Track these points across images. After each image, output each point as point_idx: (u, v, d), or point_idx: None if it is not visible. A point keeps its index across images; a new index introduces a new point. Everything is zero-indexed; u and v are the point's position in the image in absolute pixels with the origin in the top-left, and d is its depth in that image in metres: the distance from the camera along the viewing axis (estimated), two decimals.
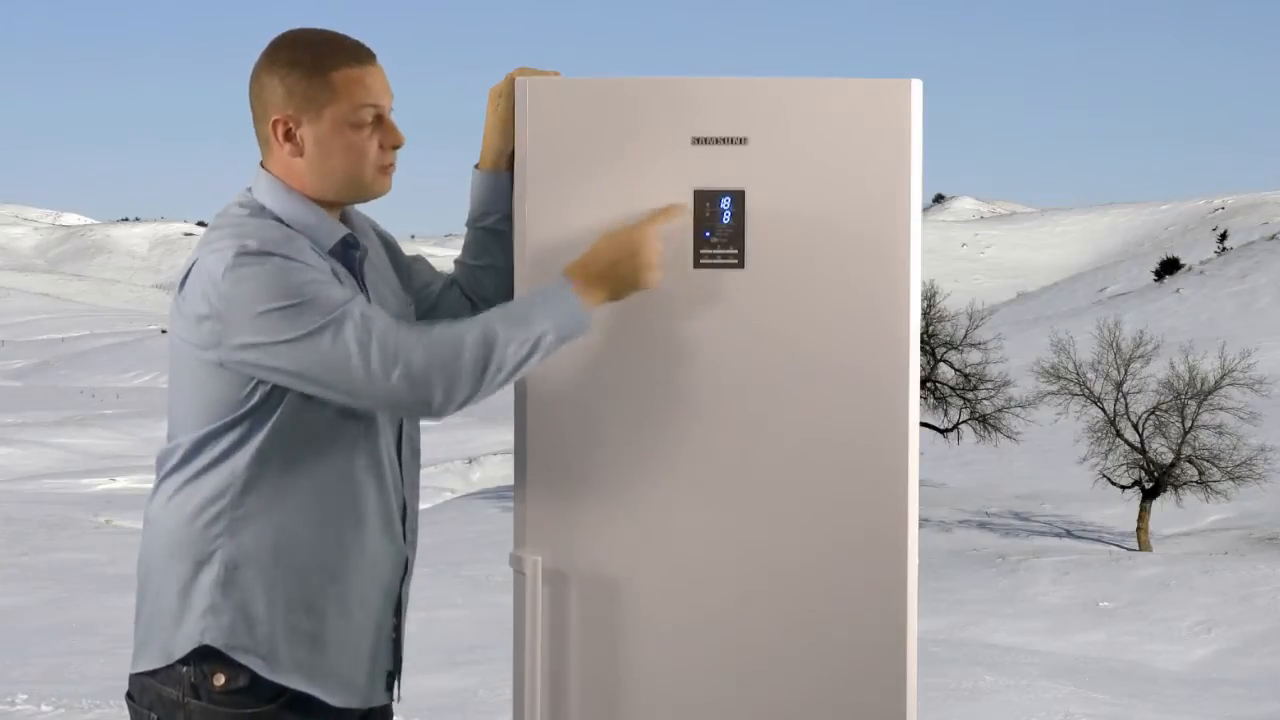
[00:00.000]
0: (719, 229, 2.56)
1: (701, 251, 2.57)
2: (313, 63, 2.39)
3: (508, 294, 2.64)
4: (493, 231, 2.71)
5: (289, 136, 2.41)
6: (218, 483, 2.35)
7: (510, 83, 2.62)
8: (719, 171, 2.56)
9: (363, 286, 2.48)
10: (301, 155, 2.41)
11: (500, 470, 44.62)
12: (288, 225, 2.39)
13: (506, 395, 2.56)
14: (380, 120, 2.44)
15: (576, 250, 2.51)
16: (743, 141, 2.56)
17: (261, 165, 2.46)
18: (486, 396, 2.34)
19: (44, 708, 8.31)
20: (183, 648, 2.34)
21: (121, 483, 45.01)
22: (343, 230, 2.45)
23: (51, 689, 8.96)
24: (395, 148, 2.46)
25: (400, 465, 2.52)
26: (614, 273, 2.44)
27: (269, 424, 2.34)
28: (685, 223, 2.57)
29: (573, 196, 2.57)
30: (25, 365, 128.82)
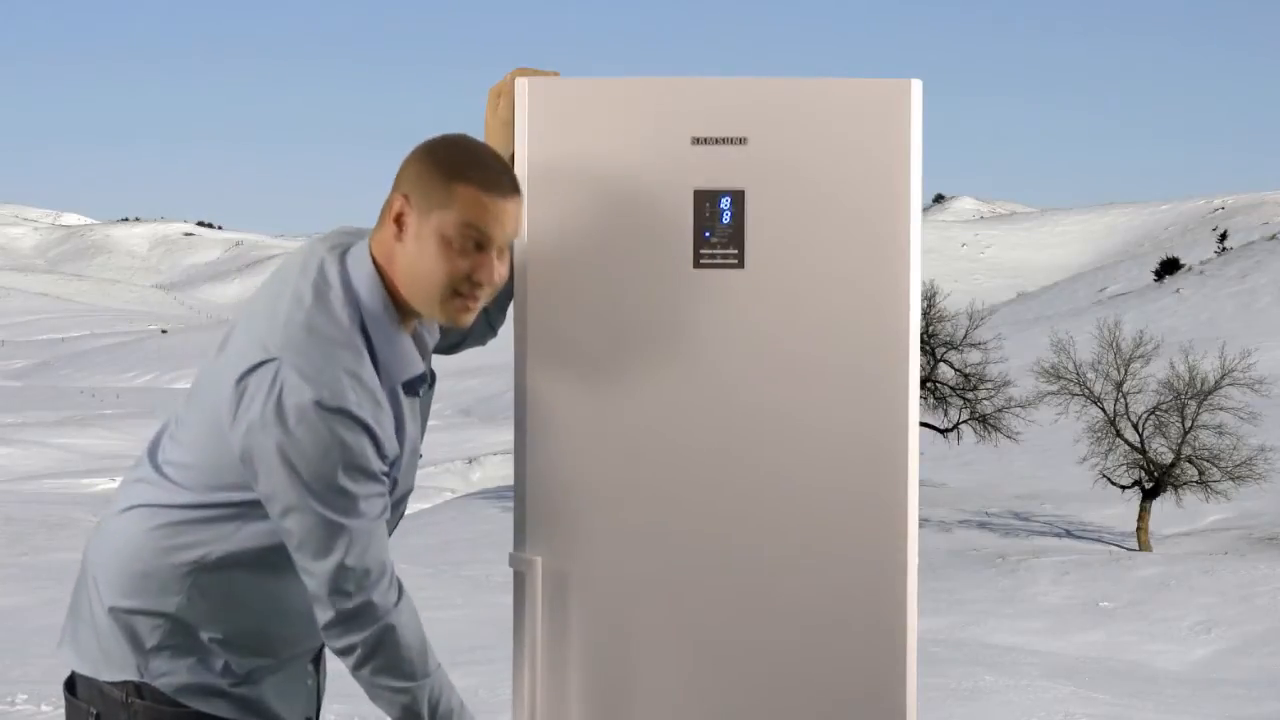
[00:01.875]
0: (719, 229, 2.56)
1: (701, 251, 2.57)
2: (450, 166, 2.33)
3: (510, 295, 2.64)
4: None
5: (399, 219, 2.34)
6: (206, 542, 2.34)
7: (510, 83, 2.62)
8: (719, 171, 2.56)
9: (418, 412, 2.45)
10: (400, 241, 2.34)
11: (500, 470, 44.62)
12: (371, 341, 2.31)
13: (507, 395, 2.56)
14: (479, 248, 2.34)
15: (578, 250, 2.51)
16: (742, 141, 2.56)
17: (368, 241, 2.39)
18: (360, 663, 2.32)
19: (44, 708, 8.31)
20: (116, 675, 2.36)
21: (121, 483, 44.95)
22: (419, 368, 2.38)
23: (51, 689, 8.95)
24: (484, 284, 2.35)
25: None
26: None
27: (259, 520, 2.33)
28: (685, 224, 2.57)
29: (573, 196, 2.57)
30: (25, 365, 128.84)
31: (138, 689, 2.35)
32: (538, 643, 2.56)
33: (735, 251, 2.56)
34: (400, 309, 2.37)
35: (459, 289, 2.34)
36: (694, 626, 2.59)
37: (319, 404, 2.21)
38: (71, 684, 2.44)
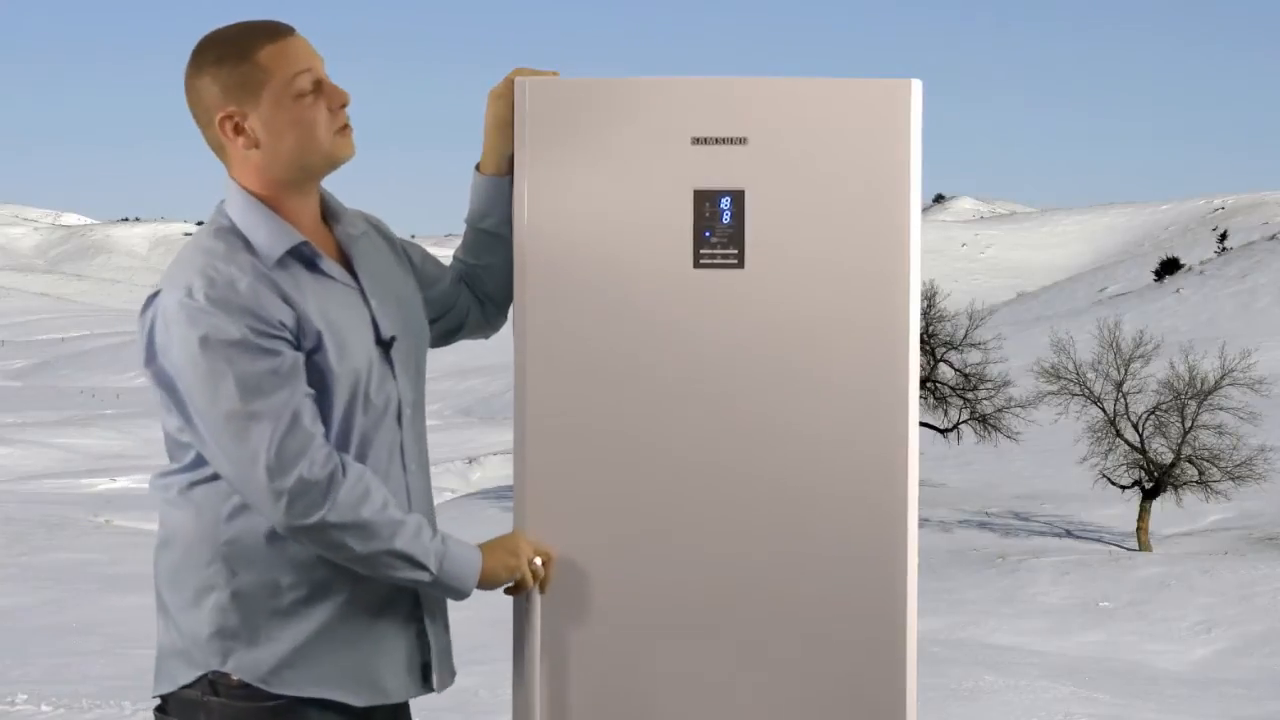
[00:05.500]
0: (719, 229, 2.56)
1: (701, 252, 2.57)
2: (236, 52, 2.37)
3: (509, 292, 2.65)
4: (492, 234, 2.71)
5: (239, 130, 2.38)
6: (208, 491, 2.35)
7: (509, 84, 2.61)
8: (719, 172, 2.56)
9: (353, 272, 2.46)
10: (257, 146, 2.38)
11: (500, 470, 44.63)
12: (243, 237, 2.37)
13: (506, 395, 2.56)
14: (319, 85, 2.40)
15: (578, 250, 2.53)
16: (742, 141, 2.56)
17: (229, 175, 2.43)
18: (319, 523, 2.28)
19: (44, 708, 8.31)
20: (189, 675, 2.35)
21: (121, 483, 45.01)
22: (295, 237, 2.40)
23: (51, 689, 8.96)
24: (343, 106, 2.43)
25: (406, 476, 2.50)
26: (501, 569, 2.48)
27: None
28: (685, 224, 2.58)
29: (572, 197, 2.57)
30: (25, 365, 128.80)
31: (212, 686, 2.33)
32: (537, 643, 2.56)
33: (735, 251, 2.56)
34: (279, 210, 2.40)
35: (333, 124, 2.41)
36: (693, 625, 2.59)
37: (180, 304, 2.28)
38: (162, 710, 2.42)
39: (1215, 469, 31.03)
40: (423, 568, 2.34)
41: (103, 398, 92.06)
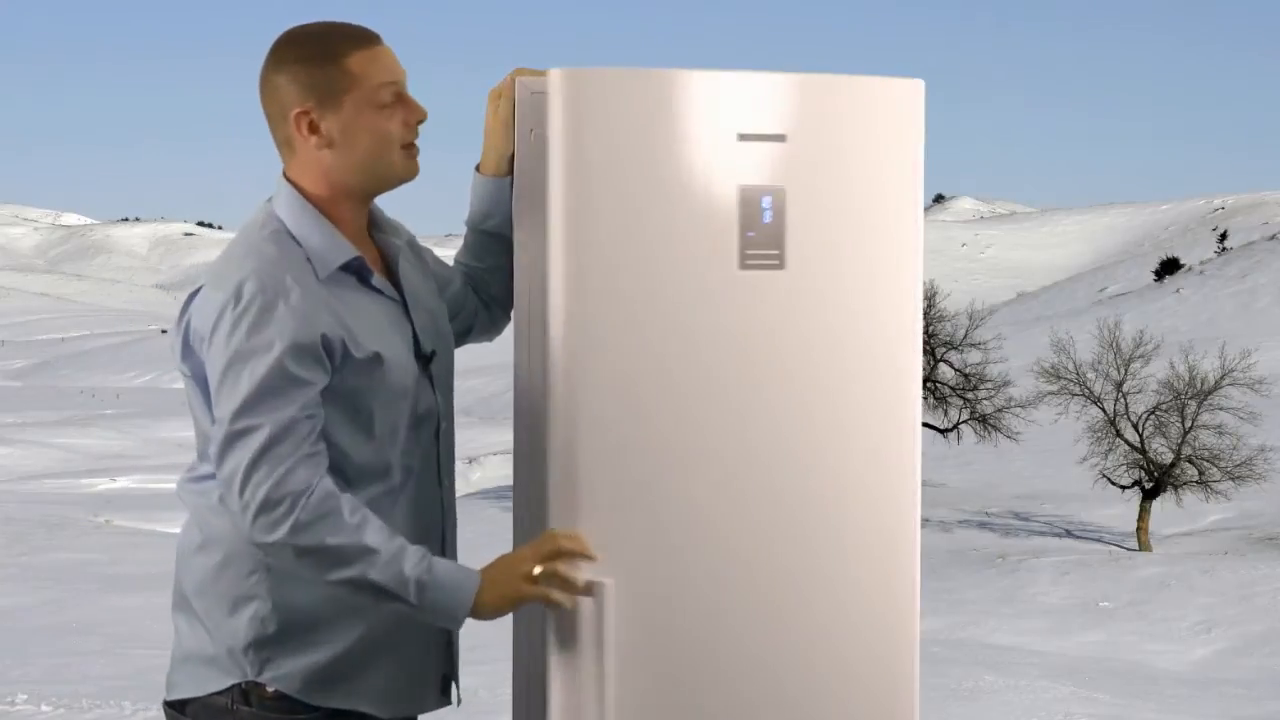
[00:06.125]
0: (760, 228, 2.48)
1: (747, 252, 2.48)
2: (323, 53, 2.35)
3: (510, 295, 2.63)
4: (496, 235, 2.70)
5: (314, 129, 2.35)
6: None
7: (510, 84, 2.59)
8: (760, 168, 2.48)
9: (397, 285, 2.45)
10: (330, 146, 2.36)
11: (500, 470, 44.61)
12: (299, 243, 2.34)
13: (506, 395, 2.54)
14: (401, 98, 2.40)
15: (610, 254, 2.46)
16: (781, 139, 2.50)
17: (283, 174, 2.40)
18: (282, 542, 2.22)
19: (44, 708, 8.31)
20: (220, 683, 2.32)
21: (121, 483, 45.02)
22: (350, 252, 2.38)
23: (51, 689, 8.96)
24: (419, 122, 2.42)
25: (441, 491, 2.49)
26: (501, 602, 2.37)
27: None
28: (729, 223, 2.49)
29: (611, 193, 2.47)
30: (25, 365, 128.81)
31: (244, 695, 2.31)
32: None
33: (776, 252, 2.50)
34: (331, 215, 2.38)
35: (405, 140, 2.40)
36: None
37: (226, 305, 2.25)
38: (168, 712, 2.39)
39: (1215, 469, 31.04)
40: (399, 599, 2.27)
41: (103, 398, 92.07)
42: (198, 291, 2.34)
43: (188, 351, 2.33)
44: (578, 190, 2.48)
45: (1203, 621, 20.98)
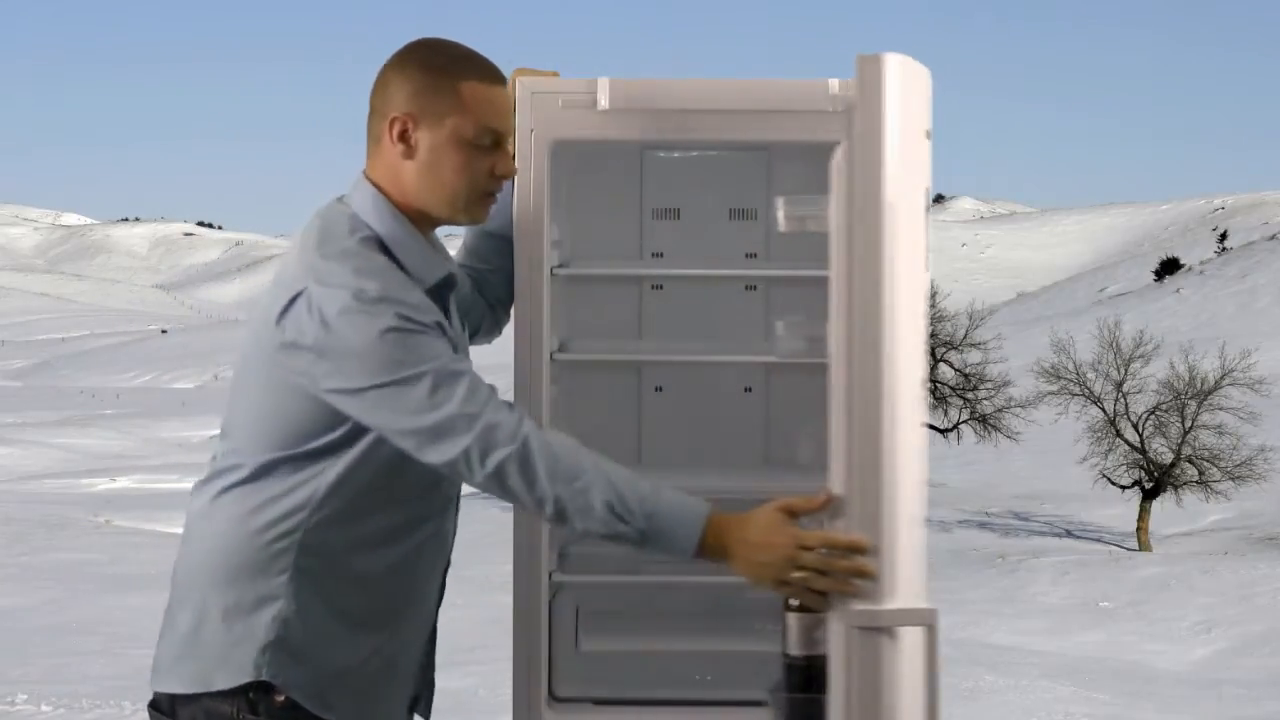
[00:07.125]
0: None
1: None
2: (444, 69, 2.30)
3: (510, 296, 2.63)
4: (499, 236, 2.70)
5: (404, 137, 2.29)
6: (291, 506, 2.27)
7: (510, 83, 2.60)
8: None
9: (450, 320, 2.38)
10: (412, 159, 2.30)
11: None
12: (392, 255, 2.28)
13: (505, 396, 2.54)
14: (499, 146, 2.33)
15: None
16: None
17: (364, 174, 2.35)
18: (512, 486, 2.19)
19: (44, 708, 8.31)
20: (230, 680, 2.27)
21: (121, 483, 44.95)
22: (445, 269, 2.34)
23: (51, 689, 8.96)
24: (506, 176, 2.35)
25: (456, 499, 2.48)
26: (750, 556, 2.28)
27: (349, 456, 2.26)
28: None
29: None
30: (25, 365, 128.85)
31: (251, 704, 2.27)
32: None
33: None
34: (413, 222, 2.33)
35: (486, 188, 2.33)
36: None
37: (357, 298, 2.16)
38: (158, 705, 2.34)
39: (1215, 469, 31.05)
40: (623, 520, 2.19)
41: (103, 398, 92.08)
42: (299, 295, 2.21)
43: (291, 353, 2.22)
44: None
45: (1203, 621, 20.97)
